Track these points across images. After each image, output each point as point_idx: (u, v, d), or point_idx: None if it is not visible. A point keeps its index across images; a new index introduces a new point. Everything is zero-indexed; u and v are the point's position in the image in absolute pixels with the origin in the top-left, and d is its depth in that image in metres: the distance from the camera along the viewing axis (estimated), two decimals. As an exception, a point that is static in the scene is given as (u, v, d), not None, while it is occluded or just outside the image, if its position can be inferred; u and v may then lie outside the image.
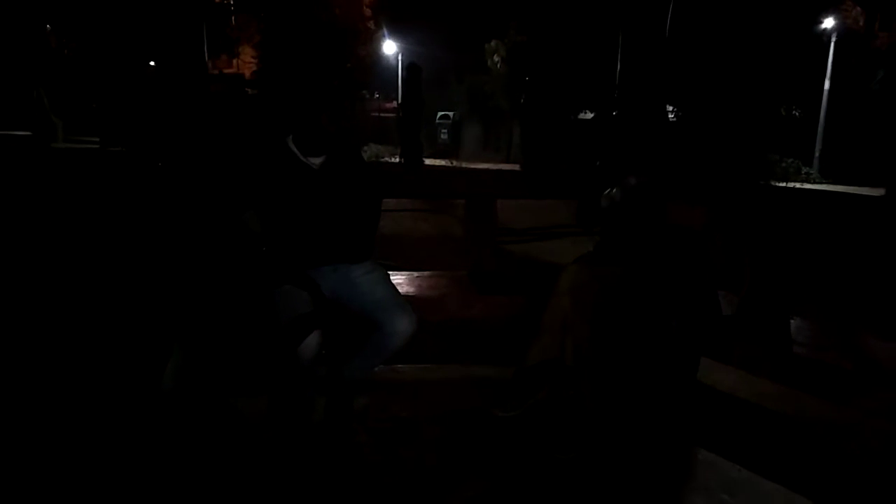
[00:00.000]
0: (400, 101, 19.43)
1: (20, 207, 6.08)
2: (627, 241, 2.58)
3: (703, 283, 2.51)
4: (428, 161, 16.16)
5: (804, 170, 17.13)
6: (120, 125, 14.18)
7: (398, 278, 3.10)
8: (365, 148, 16.08)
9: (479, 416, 2.45)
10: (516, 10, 17.65)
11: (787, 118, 18.70)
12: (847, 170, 16.57)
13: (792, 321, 3.13)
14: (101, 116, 16.10)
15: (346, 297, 2.36)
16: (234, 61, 24.47)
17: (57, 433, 2.26)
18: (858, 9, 17.72)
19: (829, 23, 17.29)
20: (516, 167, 17.05)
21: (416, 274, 3.39)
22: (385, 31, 21.57)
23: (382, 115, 22.85)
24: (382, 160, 16.00)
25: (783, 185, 14.72)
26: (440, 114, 21.14)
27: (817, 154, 17.60)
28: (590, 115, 17.78)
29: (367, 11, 21.21)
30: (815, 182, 16.72)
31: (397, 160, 15.31)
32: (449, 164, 17.77)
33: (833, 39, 17.20)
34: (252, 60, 19.97)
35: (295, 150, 2.32)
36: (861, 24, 17.89)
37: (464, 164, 17.74)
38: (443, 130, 21.01)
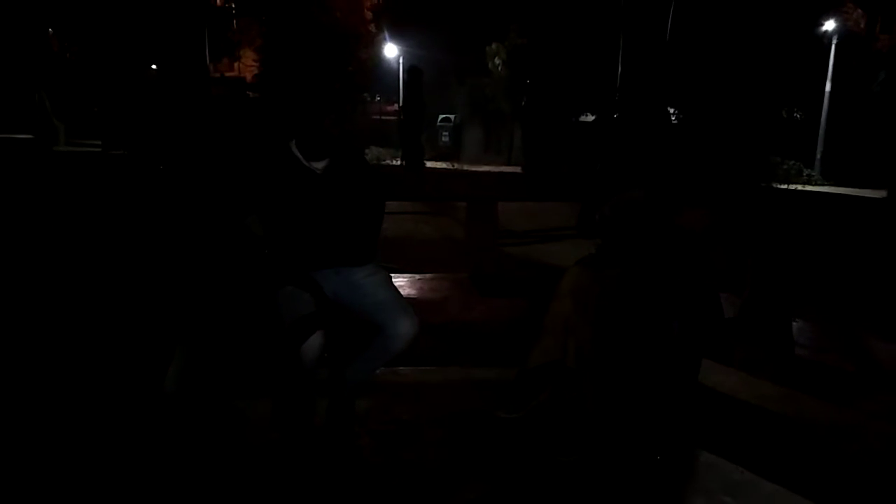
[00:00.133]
0: (401, 103, 19.43)
1: (22, 210, 6.09)
2: (629, 243, 2.58)
3: (705, 285, 2.51)
4: (429, 164, 16.15)
5: (806, 172, 17.13)
6: (121, 128, 14.21)
7: (400, 281, 3.11)
8: (366, 151, 16.10)
9: (480, 418, 2.45)
10: (517, 13, 17.68)
11: (788, 120, 18.72)
12: (849, 172, 16.56)
13: (793, 323, 3.13)
14: (103, 120, 16.12)
15: (349, 299, 2.36)
16: (236, 64, 24.50)
17: (61, 436, 2.26)
18: (859, 11, 17.72)
19: (830, 25, 17.30)
20: (517, 170, 17.05)
21: (417, 276, 3.40)
22: (386, 35, 21.61)
23: (383, 117, 22.89)
24: (384, 163, 16.01)
25: (785, 187, 14.71)
26: (441, 116, 21.16)
27: (819, 156, 17.59)
28: (591, 118, 17.80)
29: (368, 14, 21.24)
30: (816, 184, 16.71)
31: (398, 163, 15.32)
32: (450, 166, 17.77)
33: (834, 42, 17.20)
34: (253, 64, 20.03)
35: (298, 154, 2.33)
36: (862, 26, 17.89)
37: (465, 167, 17.74)
38: (444, 133, 21.03)
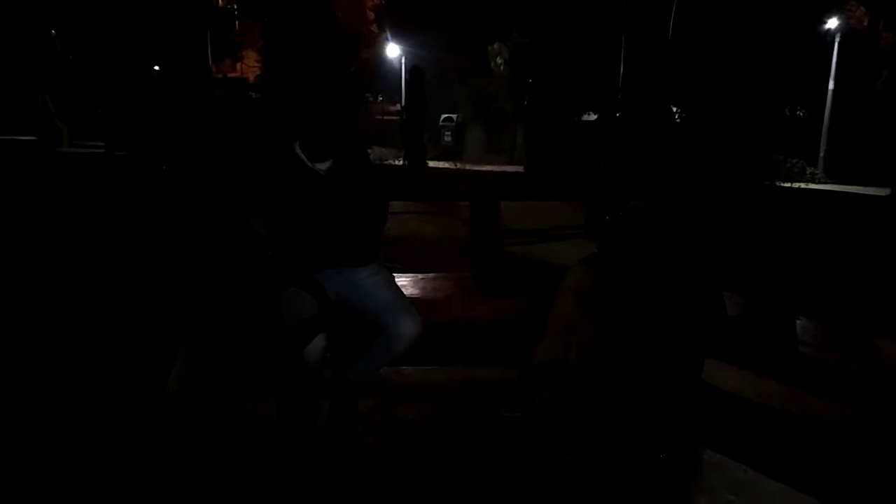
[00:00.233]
0: (403, 103, 19.47)
1: (26, 212, 6.11)
2: (632, 243, 2.58)
3: (708, 284, 2.50)
4: (431, 163, 16.18)
5: (809, 170, 17.08)
6: (124, 130, 14.24)
7: (402, 280, 3.11)
8: (368, 151, 16.12)
9: (484, 417, 2.45)
10: (519, 12, 17.67)
11: (791, 118, 18.68)
12: (852, 170, 16.52)
13: (797, 321, 3.12)
14: (106, 121, 16.17)
15: (352, 299, 2.36)
16: (238, 65, 24.56)
17: (65, 436, 2.27)
18: (862, 9, 17.67)
19: (833, 23, 17.24)
20: (520, 169, 17.05)
21: (420, 276, 3.39)
22: (388, 35, 21.62)
23: (386, 117, 22.90)
24: (386, 163, 16.02)
25: (788, 185, 14.68)
26: (443, 116, 21.18)
27: (822, 154, 17.54)
28: (593, 117, 17.78)
29: (370, 15, 21.25)
30: (820, 182, 16.67)
31: (401, 163, 15.34)
32: (452, 166, 17.78)
33: (837, 39, 17.15)
34: (255, 64, 20.04)
35: (302, 155, 2.33)
36: (865, 24, 17.84)
37: (467, 167, 17.75)
38: (446, 133, 21.04)
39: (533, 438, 2.32)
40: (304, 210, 2.31)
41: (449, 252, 5.45)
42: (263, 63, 18.47)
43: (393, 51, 22.20)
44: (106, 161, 13.37)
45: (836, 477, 2.17)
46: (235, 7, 21.47)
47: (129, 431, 2.28)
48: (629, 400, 2.32)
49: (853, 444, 2.39)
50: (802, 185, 15.13)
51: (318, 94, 2.30)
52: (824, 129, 17.53)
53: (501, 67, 19.20)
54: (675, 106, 13.65)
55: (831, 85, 17.29)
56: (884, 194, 13.24)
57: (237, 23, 21.89)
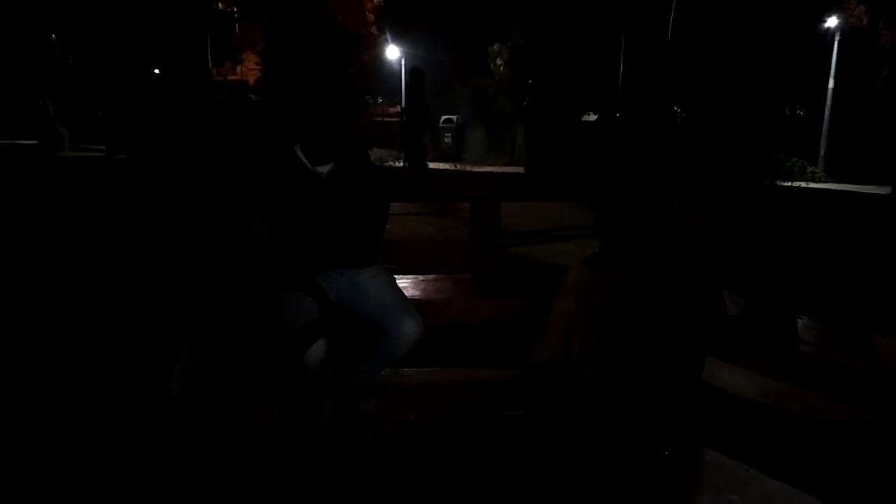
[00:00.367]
0: (403, 105, 19.49)
1: (28, 216, 6.12)
2: (633, 242, 2.58)
3: (709, 284, 2.50)
4: (432, 165, 16.19)
5: (809, 169, 17.09)
6: (125, 133, 14.26)
7: (403, 282, 3.10)
8: (369, 152, 16.10)
9: (485, 418, 2.45)
10: (518, 13, 17.68)
11: (791, 117, 18.68)
12: (852, 169, 16.52)
13: (799, 320, 3.12)
14: (107, 125, 16.19)
15: (353, 301, 2.37)
16: (238, 68, 24.60)
17: (67, 439, 2.27)
18: (862, 7, 17.68)
19: (832, 21, 17.26)
20: (520, 170, 17.07)
21: (420, 277, 3.39)
22: (388, 36, 21.66)
23: (386, 119, 22.94)
24: (386, 164, 16.04)
25: (788, 184, 14.68)
26: (444, 117, 21.19)
27: (822, 153, 17.55)
28: (593, 118, 17.79)
29: (370, 17, 21.30)
30: (820, 181, 16.67)
31: (401, 164, 15.35)
32: (453, 167, 17.81)
33: (837, 38, 17.16)
34: (255, 67, 20.09)
35: (303, 158, 2.33)
36: (865, 22, 17.85)
37: (467, 168, 17.78)
38: (446, 134, 21.06)
39: (535, 439, 2.32)
40: (305, 212, 2.31)
41: (449, 253, 5.45)
42: (263, 66, 18.52)
43: (393, 52, 22.23)
44: (107, 165, 13.37)
45: (837, 476, 2.17)
46: (235, 10, 21.50)
47: (131, 434, 2.28)
48: (630, 399, 2.33)
49: (855, 444, 2.38)
50: (803, 184, 15.13)
51: (318, 96, 2.30)
52: (824, 128, 17.53)
53: (501, 68, 19.22)
54: (675, 105, 13.67)
55: (831, 83, 17.31)
56: (884, 193, 13.25)
57: (237, 25, 21.92)
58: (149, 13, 13.57)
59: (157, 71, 17.39)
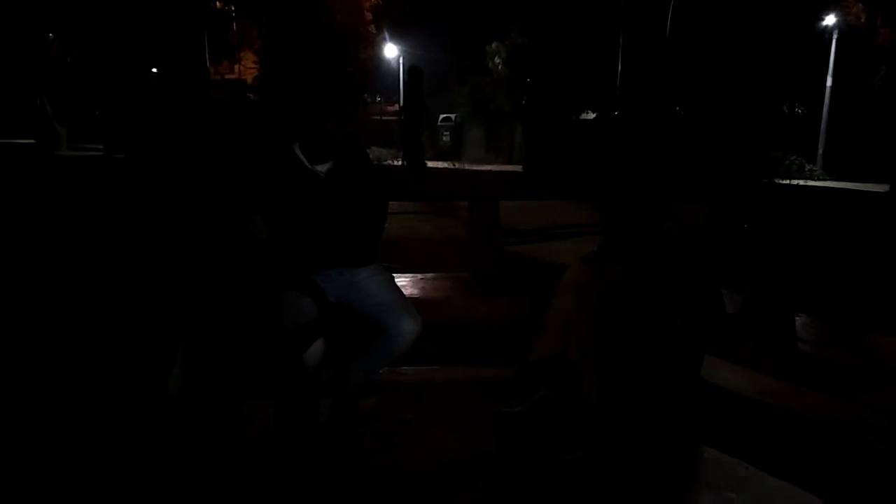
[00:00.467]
0: (401, 104, 19.48)
1: (26, 215, 6.11)
2: (631, 239, 2.58)
3: (707, 281, 2.50)
4: (430, 163, 16.20)
5: (808, 167, 17.10)
6: (123, 132, 14.25)
7: (402, 281, 3.10)
8: (367, 151, 16.10)
9: (484, 417, 2.45)
10: (517, 12, 17.68)
11: (789, 116, 18.70)
12: (851, 166, 16.54)
13: (797, 318, 3.12)
14: (105, 124, 16.17)
15: (351, 300, 2.37)
16: (236, 67, 24.58)
17: (65, 438, 2.27)
18: (860, 5, 17.70)
19: (830, 20, 17.27)
20: (518, 168, 17.07)
21: (419, 276, 3.39)
22: (386, 35, 21.64)
23: (384, 118, 22.93)
24: (385, 163, 16.04)
25: (787, 182, 14.70)
26: (442, 116, 21.21)
27: (821, 151, 17.57)
28: (591, 116, 17.81)
29: (368, 15, 21.29)
30: (818, 179, 16.69)
31: (399, 163, 15.35)
32: (451, 166, 17.81)
33: (835, 36, 17.18)
34: (253, 66, 20.07)
35: (302, 157, 2.33)
36: (863, 20, 17.87)
37: (466, 166, 17.78)
38: (445, 133, 21.07)
39: (534, 437, 2.32)
40: (304, 211, 2.31)
41: (448, 252, 5.45)
42: (261, 65, 18.50)
43: (391, 51, 22.21)
44: (105, 164, 13.36)
45: (836, 474, 2.17)
46: (233, 9, 21.47)
47: (130, 433, 2.28)
48: (628, 396, 2.33)
49: (853, 441, 2.39)
50: (801, 182, 15.15)
51: (316, 95, 2.30)
52: (823, 126, 17.55)
53: (499, 67, 19.22)
54: (674, 104, 13.67)
55: (829, 81, 17.32)
56: (882, 190, 13.27)
57: (235, 24, 21.90)
58: (146, 12, 13.56)
59: (154, 70, 17.38)
